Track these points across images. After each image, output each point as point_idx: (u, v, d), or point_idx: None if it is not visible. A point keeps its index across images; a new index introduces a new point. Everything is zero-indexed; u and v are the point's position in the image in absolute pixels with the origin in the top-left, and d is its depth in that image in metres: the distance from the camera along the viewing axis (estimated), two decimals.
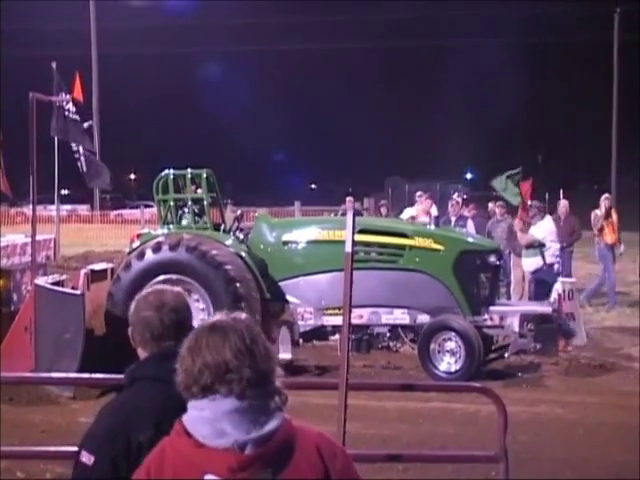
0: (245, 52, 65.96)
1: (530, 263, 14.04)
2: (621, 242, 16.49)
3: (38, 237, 11.21)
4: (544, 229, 14.00)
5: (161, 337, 2.93)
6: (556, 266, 14.11)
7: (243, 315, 2.36)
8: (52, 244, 12.96)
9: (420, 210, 17.74)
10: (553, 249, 14.03)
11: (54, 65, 10.65)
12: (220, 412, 2.22)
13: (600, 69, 50.62)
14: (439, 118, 73.52)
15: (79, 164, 10.68)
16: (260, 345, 2.29)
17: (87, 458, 2.72)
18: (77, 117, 10.66)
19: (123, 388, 2.96)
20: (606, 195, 17.24)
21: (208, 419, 2.22)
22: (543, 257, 13.75)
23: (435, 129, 74.01)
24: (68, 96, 10.58)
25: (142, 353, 3.01)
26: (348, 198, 19.48)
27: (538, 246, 13.80)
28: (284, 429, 2.25)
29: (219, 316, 2.35)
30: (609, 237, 16.17)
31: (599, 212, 16.35)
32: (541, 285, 13.60)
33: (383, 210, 19.57)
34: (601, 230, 16.22)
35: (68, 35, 46.13)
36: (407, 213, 18.16)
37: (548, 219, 14.53)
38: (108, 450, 2.70)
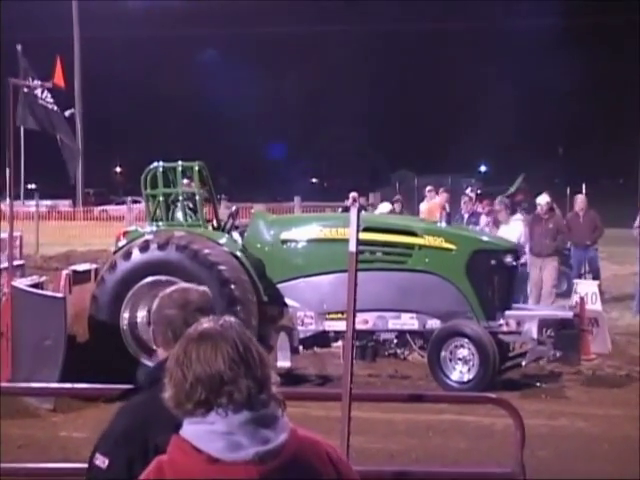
0: (240, 37, 66.05)
1: None
2: None
3: (2, 235, 11.23)
4: (514, 232, 14.09)
5: None
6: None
7: (232, 319, 2.37)
8: (18, 242, 13.00)
9: (437, 204, 17.85)
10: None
11: (19, 48, 10.59)
12: (235, 425, 2.23)
13: (627, 53, 50.56)
14: (450, 107, 73.58)
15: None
16: (254, 352, 2.30)
17: (101, 461, 2.79)
18: (53, 104, 10.64)
19: (140, 389, 3.01)
20: None
21: (221, 433, 2.23)
22: None
23: (446, 119, 74.08)
24: (37, 82, 10.54)
25: (163, 354, 3.05)
26: (352, 193, 19.47)
27: None
28: (293, 437, 2.29)
29: (207, 323, 2.35)
30: None
31: None
32: None
33: (397, 206, 19.50)
34: None
35: (50, 18, 46.20)
36: (382, 208, 18.26)
37: (518, 220, 14.58)
38: (124, 452, 2.76)
